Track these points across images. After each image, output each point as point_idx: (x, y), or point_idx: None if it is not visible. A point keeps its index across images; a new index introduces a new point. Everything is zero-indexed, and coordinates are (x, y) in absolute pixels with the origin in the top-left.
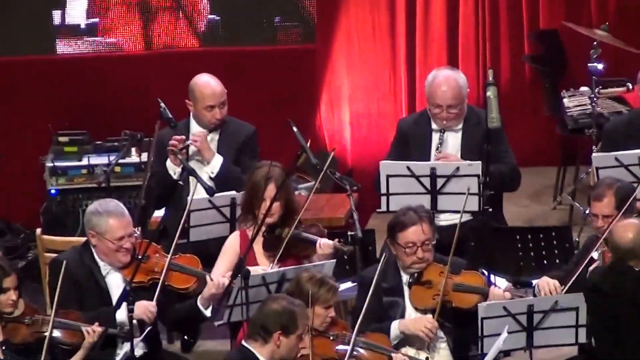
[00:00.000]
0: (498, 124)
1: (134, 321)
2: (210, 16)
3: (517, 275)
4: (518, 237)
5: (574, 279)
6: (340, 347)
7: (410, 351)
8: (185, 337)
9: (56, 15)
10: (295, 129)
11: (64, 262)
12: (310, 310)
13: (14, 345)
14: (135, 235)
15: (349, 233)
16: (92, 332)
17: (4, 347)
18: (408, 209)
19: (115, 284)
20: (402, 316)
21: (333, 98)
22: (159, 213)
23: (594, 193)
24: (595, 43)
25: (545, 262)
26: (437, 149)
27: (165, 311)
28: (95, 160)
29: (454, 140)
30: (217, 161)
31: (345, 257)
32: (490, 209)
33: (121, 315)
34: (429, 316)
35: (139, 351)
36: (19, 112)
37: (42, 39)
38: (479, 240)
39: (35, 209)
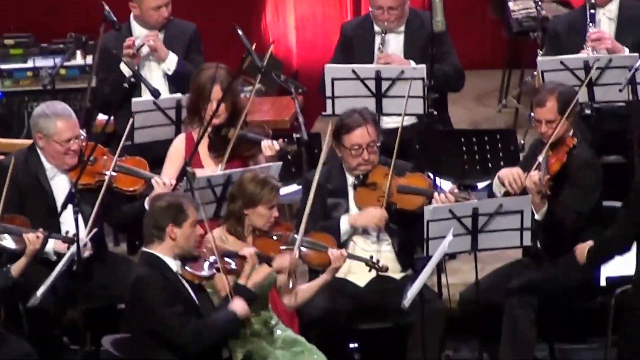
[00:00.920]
0: (443, 28)
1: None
2: None
3: (462, 178)
4: (463, 140)
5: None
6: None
7: (357, 248)
8: (132, 239)
9: None
10: (240, 32)
11: (11, 165)
12: (253, 210)
13: None
14: (82, 137)
15: (294, 136)
16: (34, 238)
17: None
18: (353, 111)
19: (61, 186)
20: None
21: (278, 1)
22: (104, 116)
23: (537, 99)
24: None
25: (490, 164)
26: (379, 50)
27: (112, 213)
28: (41, 62)
29: (396, 43)
30: (173, 58)
31: (290, 157)
32: (436, 112)
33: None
34: (377, 208)
35: (84, 253)
36: None
37: None
38: (424, 143)
39: None
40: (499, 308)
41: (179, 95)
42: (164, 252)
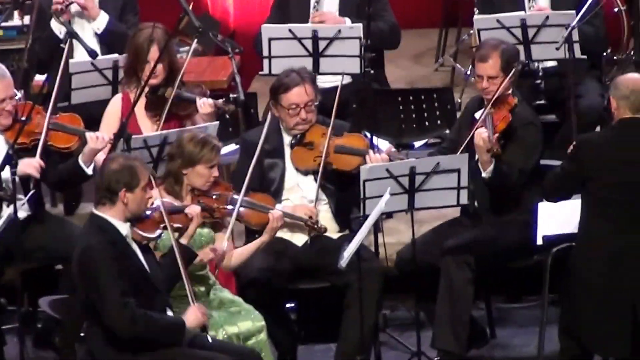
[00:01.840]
0: None
1: (17, 181)
2: None
3: (399, 137)
4: (400, 99)
5: (465, 144)
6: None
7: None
8: (69, 200)
9: None
10: None
11: None
12: (192, 170)
13: None
14: (18, 97)
15: (231, 96)
16: None
17: None
18: (291, 70)
19: None
20: (283, 177)
21: None
22: (42, 77)
23: (479, 54)
24: None
25: (426, 123)
26: (314, 8)
27: (48, 172)
28: None
29: (331, 1)
30: (103, 18)
31: (227, 116)
32: (372, 71)
33: (5, 175)
34: (310, 205)
35: (22, 213)
36: None
37: None
38: (361, 102)
39: None
40: (436, 267)
41: (116, 55)
42: (115, 215)
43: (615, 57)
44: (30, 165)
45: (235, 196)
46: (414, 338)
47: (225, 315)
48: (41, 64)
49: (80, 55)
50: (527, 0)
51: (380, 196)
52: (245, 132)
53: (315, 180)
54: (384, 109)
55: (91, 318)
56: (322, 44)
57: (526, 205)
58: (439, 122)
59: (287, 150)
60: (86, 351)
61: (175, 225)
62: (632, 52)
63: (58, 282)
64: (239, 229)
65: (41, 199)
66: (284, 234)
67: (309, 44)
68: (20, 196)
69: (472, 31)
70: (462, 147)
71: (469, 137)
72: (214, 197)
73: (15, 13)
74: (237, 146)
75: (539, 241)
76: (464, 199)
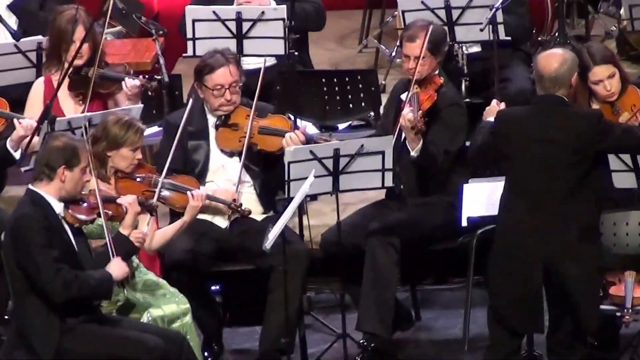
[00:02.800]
0: None
1: None
2: None
3: (323, 119)
4: (324, 80)
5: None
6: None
7: (220, 191)
8: None
9: None
10: None
11: None
12: (117, 152)
13: None
14: None
15: (156, 77)
16: None
17: None
18: (215, 51)
19: None
20: (207, 159)
21: None
22: None
23: (407, 34)
24: None
25: (351, 105)
26: None
27: None
28: None
29: None
30: None
31: (150, 93)
32: (297, 53)
33: None
34: (232, 189)
35: None
36: None
37: None
38: (285, 84)
39: None
40: (361, 249)
41: (39, 37)
42: (51, 192)
43: (540, 38)
44: None
45: (159, 178)
46: (339, 320)
47: (150, 298)
48: None
49: (2, 37)
50: None
51: (305, 178)
52: (169, 113)
53: (240, 161)
54: (308, 90)
55: (20, 293)
56: (245, 26)
57: (451, 187)
58: (363, 104)
59: (212, 132)
60: (14, 333)
61: (110, 213)
62: (556, 34)
63: None
64: (164, 211)
65: None
66: (207, 216)
67: (232, 25)
68: None
69: (396, 12)
70: (396, 132)
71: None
72: (138, 179)
73: None
74: (161, 128)
75: (464, 223)
76: (388, 181)
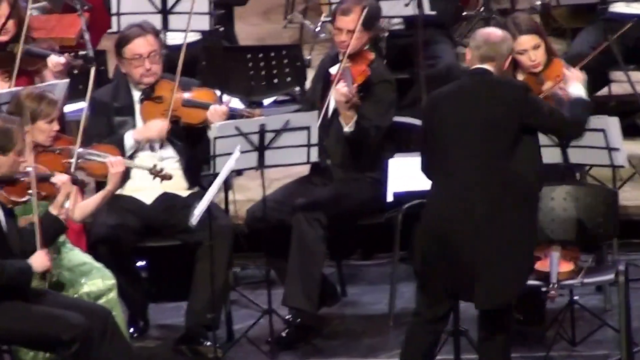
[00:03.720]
0: None
1: None
2: None
3: (249, 94)
4: (249, 56)
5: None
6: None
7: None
8: None
9: None
10: None
11: None
12: (33, 126)
13: None
14: None
15: (81, 53)
16: None
17: None
18: (132, 24)
19: None
20: None
21: None
22: None
23: (342, 7)
24: None
25: (276, 80)
26: None
27: None
28: None
29: None
30: None
31: (77, 71)
32: (222, 28)
33: None
34: (159, 120)
35: None
36: None
37: None
38: (210, 59)
39: None
40: (287, 225)
41: None
42: None
43: (464, 13)
44: None
45: (79, 149)
46: (265, 296)
47: (76, 274)
48: None
49: None
50: None
51: (231, 154)
52: (95, 89)
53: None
54: (234, 66)
55: None
56: (170, 1)
57: (378, 163)
58: (288, 79)
59: (138, 108)
60: None
61: (43, 193)
62: (481, 9)
63: None
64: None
65: None
66: (132, 192)
67: (157, 0)
68: None
69: None
70: (325, 107)
71: (329, 94)
72: (57, 152)
73: None
74: (87, 104)
75: (390, 198)
76: (314, 157)
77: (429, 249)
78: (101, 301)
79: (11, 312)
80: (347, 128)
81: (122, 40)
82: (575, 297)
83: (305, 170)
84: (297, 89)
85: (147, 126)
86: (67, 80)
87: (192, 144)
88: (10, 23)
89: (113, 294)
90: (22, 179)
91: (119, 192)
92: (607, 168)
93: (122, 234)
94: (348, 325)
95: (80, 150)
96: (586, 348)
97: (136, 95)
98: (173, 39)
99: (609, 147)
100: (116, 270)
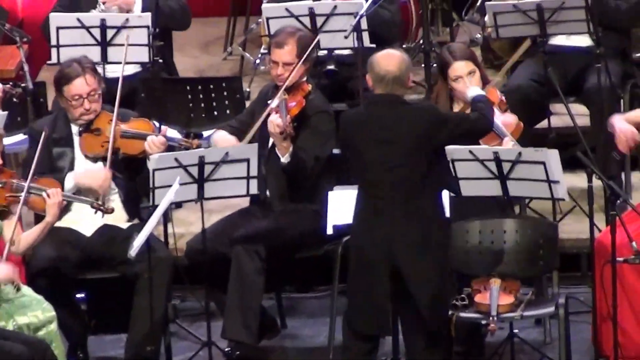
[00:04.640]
0: None
1: None
2: None
3: (188, 126)
4: (189, 88)
5: (256, 128)
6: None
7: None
8: None
9: None
10: None
11: None
12: None
13: None
14: None
15: (20, 85)
16: None
17: None
18: (72, 60)
19: None
20: (72, 166)
21: None
22: None
23: (275, 40)
24: None
25: (215, 112)
26: None
27: None
28: None
29: None
30: None
31: (16, 99)
32: (161, 60)
33: None
34: (103, 169)
35: None
36: None
37: None
38: (149, 91)
39: None
40: (227, 257)
41: None
42: None
43: (404, 46)
44: None
45: (23, 183)
46: (204, 328)
47: (16, 305)
48: None
49: None
50: None
51: (170, 186)
52: (34, 121)
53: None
54: (173, 98)
55: None
56: (110, 33)
57: (318, 195)
58: (228, 111)
59: (76, 139)
60: None
61: None
62: (420, 41)
63: None
64: (29, 220)
65: None
66: (71, 223)
67: (97, 32)
68: None
69: (260, 20)
70: (253, 131)
71: (260, 122)
72: (0, 185)
73: None
74: (26, 136)
75: (330, 230)
76: (253, 189)
77: (358, 278)
78: (41, 333)
79: None
80: (284, 159)
81: (62, 79)
82: (515, 330)
83: (245, 202)
84: None
85: (90, 175)
86: (5, 112)
87: (132, 175)
88: None
89: (53, 326)
90: None
91: (58, 224)
92: (547, 201)
93: (61, 266)
94: (288, 358)
95: (22, 184)
96: None
97: (74, 127)
98: (113, 71)
99: (549, 179)
100: (56, 302)
